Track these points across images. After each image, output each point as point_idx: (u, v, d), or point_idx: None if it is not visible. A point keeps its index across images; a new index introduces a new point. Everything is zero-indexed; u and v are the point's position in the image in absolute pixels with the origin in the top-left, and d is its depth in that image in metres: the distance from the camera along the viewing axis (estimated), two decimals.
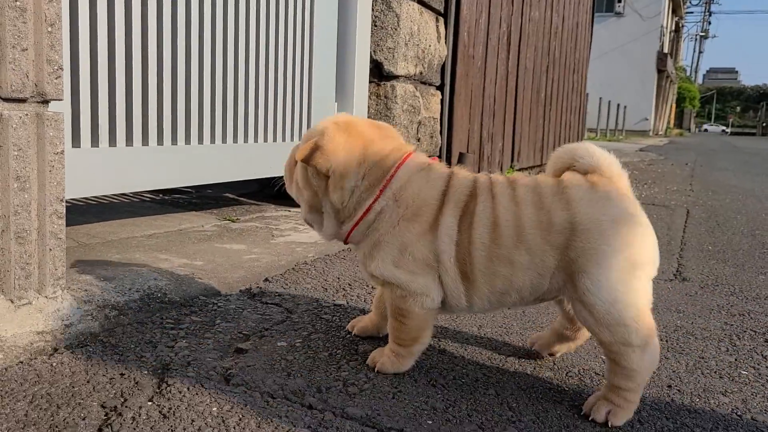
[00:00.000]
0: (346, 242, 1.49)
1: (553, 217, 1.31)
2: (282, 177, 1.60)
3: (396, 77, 3.72)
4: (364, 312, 1.89)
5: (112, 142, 2.28)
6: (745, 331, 1.97)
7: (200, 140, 2.69)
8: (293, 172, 1.51)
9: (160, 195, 3.69)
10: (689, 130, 52.08)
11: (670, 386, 1.52)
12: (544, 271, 1.34)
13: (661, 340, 1.84)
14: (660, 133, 36.86)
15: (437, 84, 4.29)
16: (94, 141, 2.22)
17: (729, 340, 1.88)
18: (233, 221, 3.07)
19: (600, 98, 22.53)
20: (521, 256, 1.33)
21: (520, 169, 6.35)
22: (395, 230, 1.38)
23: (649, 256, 1.31)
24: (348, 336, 1.71)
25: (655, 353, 1.31)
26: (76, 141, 2.16)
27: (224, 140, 2.83)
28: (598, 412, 1.31)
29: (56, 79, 1.53)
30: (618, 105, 25.58)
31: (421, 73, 3.96)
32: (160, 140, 2.48)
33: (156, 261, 2.20)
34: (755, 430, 1.33)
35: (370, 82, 3.70)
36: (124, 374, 1.40)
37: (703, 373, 1.62)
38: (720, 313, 2.16)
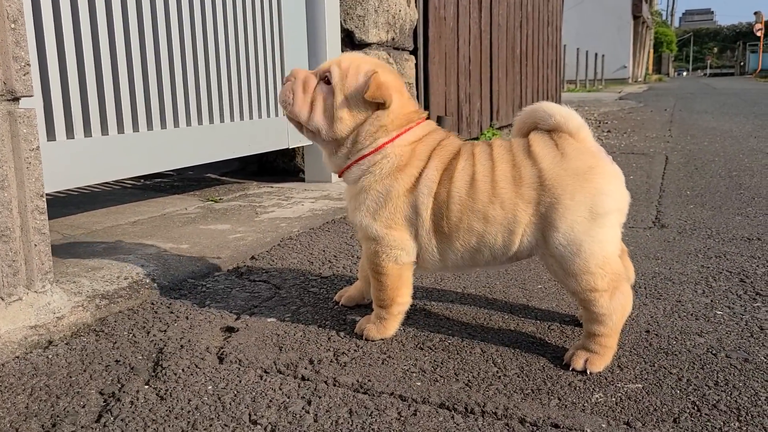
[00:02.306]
0: (340, 175, 1.56)
1: (523, 172, 1.38)
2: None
3: (368, 45, 3.71)
4: (350, 282, 1.93)
5: (87, 132, 2.28)
6: (720, 273, 2.04)
7: (176, 123, 2.69)
8: (314, 93, 1.50)
9: (142, 180, 3.69)
10: (668, 74, 52.07)
11: (648, 331, 1.58)
12: (516, 227, 1.39)
13: (640, 287, 1.90)
14: (639, 79, 36.84)
15: (410, 48, 4.28)
16: (69, 133, 2.22)
17: (705, 283, 1.95)
18: (216, 201, 3.09)
19: (577, 49, 22.40)
20: (495, 211, 1.39)
21: (499, 128, 6.37)
22: (387, 179, 1.46)
23: (614, 204, 1.36)
24: (336, 307, 1.75)
25: (624, 298, 1.37)
26: (51, 134, 2.16)
27: (200, 122, 2.83)
28: (577, 360, 1.37)
29: (24, 75, 1.53)
30: (596, 54, 25.48)
31: (393, 39, 3.94)
32: (135, 127, 2.48)
33: (142, 247, 2.22)
34: (728, 366, 1.39)
35: (343, 51, 3.69)
36: (119, 361, 1.44)
37: (680, 316, 1.68)
38: (697, 256, 2.22)
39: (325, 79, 1.50)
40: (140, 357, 1.46)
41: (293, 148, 3.73)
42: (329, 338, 1.55)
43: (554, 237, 1.35)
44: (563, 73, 10.03)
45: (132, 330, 1.60)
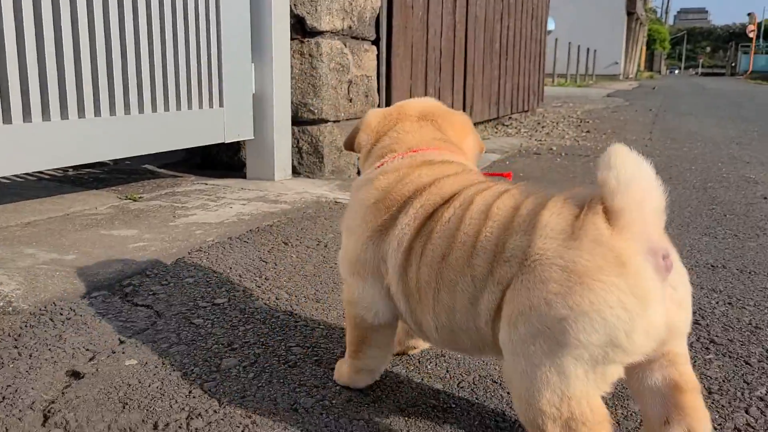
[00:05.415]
0: None
1: (510, 241, 0.96)
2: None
3: (321, 33, 3.41)
4: (244, 312, 1.66)
5: None
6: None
7: (96, 113, 2.40)
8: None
9: (65, 171, 3.38)
10: (660, 72, 51.93)
11: None
12: (483, 313, 0.99)
13: None
14: (630, 76, 36.63)
15: (372, 38, 3.99)
16: None
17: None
18: (135, 200, 2.79)
19: (569, 43, 22.13)
20: (465, 284, 1.01)
21: (475, 124, 6.10)
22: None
23: (598, 339, 0.87)
24: (214, 347, 1.48)
25: None
26: None
27: (128, 111, 2.54)
28: None
29: None
30: (588, 49, 25.21)
31: (350, 27, 3.65)
32: (45, 115, 2.19)
33: (16, 257, 1.93)
34: None
35: (293, 39, 3.39)
36: None
37: None
38: None
39: None
40: None
41: (239, 141, 3.43)
42: (190, 392, 1.28)
43: (503, 334, 0.96)
44: (545, 69, 9.78)
45: None
